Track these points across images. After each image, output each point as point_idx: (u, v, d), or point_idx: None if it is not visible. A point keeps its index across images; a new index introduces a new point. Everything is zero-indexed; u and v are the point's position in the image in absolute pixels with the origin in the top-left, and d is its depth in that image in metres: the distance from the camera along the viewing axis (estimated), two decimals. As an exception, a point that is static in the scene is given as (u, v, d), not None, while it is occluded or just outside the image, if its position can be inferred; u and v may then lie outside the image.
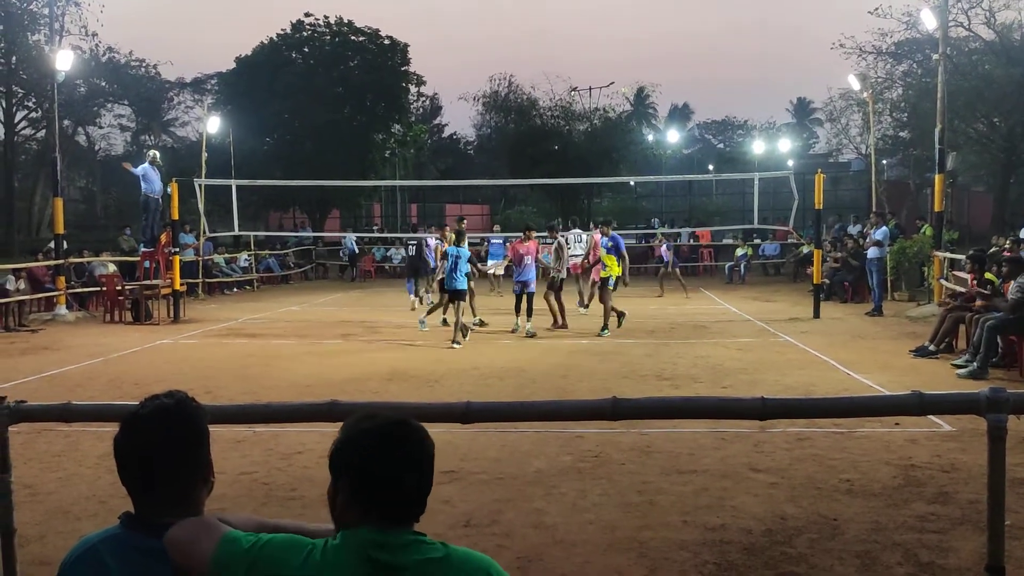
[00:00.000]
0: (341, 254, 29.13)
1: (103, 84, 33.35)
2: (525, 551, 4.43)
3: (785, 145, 43.39)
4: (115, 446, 1.71)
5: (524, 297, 13.02)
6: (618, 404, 3.03)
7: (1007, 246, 15.32)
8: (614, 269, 13.22)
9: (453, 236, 13.20)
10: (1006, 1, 25.55)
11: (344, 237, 28.81)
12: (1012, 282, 9.40)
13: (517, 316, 13.07)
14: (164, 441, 1.68)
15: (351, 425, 1.61)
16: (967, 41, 27.20)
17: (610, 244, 13.32)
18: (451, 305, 12.50)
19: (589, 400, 3.27)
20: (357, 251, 27.82)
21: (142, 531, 1.67)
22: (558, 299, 13.63)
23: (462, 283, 12.29)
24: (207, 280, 21.50)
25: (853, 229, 22.54)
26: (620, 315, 13.33)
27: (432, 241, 16.44)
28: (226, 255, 24.51)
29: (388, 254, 29.58)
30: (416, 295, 16.81)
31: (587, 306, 15.49)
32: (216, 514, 1.67)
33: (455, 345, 11.67)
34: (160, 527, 1.64)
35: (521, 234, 13.85)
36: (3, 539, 3.08)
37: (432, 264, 16.24)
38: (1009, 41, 26.57)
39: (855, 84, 24.95)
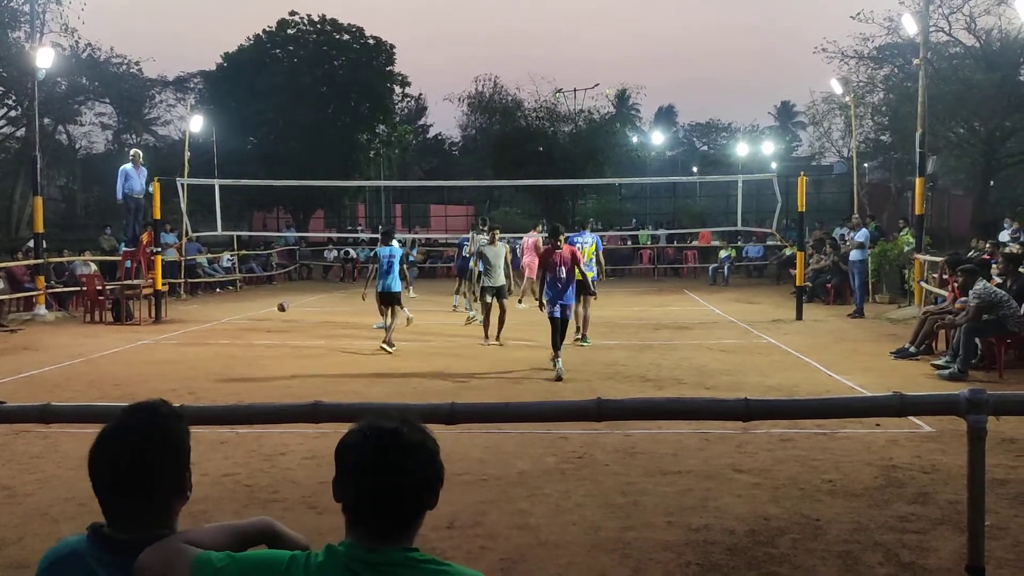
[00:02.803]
0: (325, 254, 29.02)
1: (84, 81, 33.00)
2: (509, 552, 4.42)
3: (768, 148, 43.62)
4: (89, 457, 1.66)
5: (564, 325, 9.94)
6: (602, 405, 3.04)
7: (987, 249, 15.48)
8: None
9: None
10: (986, 6, 25.86)
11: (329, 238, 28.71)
12: (971, 291, 9.51)
13: (556, 352, 9.65)
14: (142, 457, 1.62)
15: (354, 426, 1.57)
16: (948, 46, 27.49)
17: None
18: (388, 309, 11.73)
19: (574, 401, 3.28)
20: (353, 254, 27.31)
21: (107, 548, 1.62)
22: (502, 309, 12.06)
23: (397, 285, 11.69)
24: (189, 280, 21.35)
25: (837, 233, 22.71)
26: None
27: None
28: (209, 255, 24.34)
29: (372, 255, 29.48)
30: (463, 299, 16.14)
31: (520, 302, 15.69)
32: (186, 533, 1.62)
33: (386, 348, 11.20)
34: (126, 544, 1.60)
35: (541, 233, 11.84)
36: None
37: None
38: (989, 46, 26.87)
39: (837, 88, 25.19)
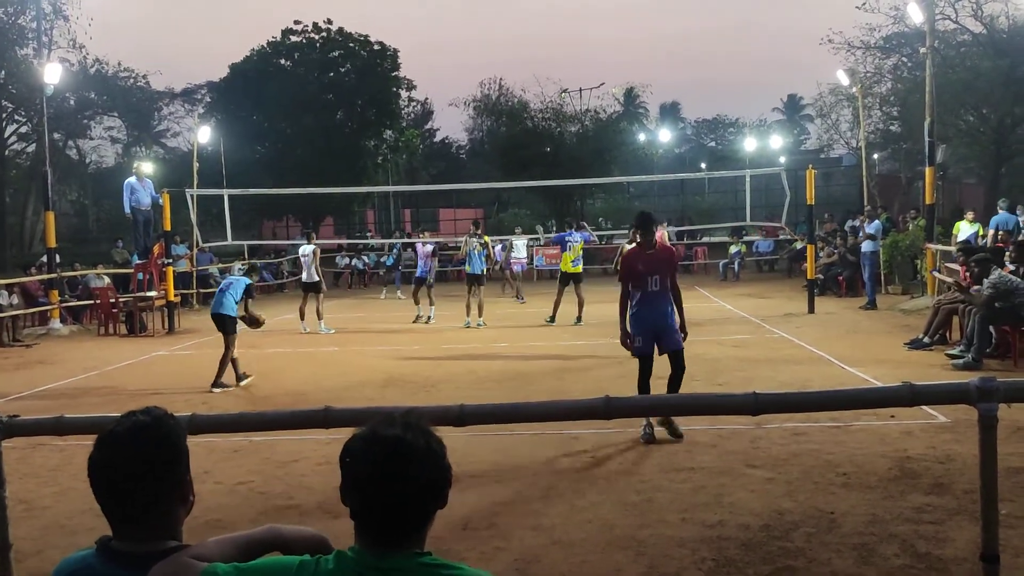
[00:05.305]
0: (337, 261, 29.07)
1: (92, 96, 33.29)
2: (523, 552, 4.43)
3: (776, 142, 43.46)
4: (89, 465, 1.64)
5: (672, 360, 6.70)
6: (611, 403, 3.03)
7: (999, 237, 15.38)
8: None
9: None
10: (992, -7, 25.67)
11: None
12: (985, 280, 9.42)
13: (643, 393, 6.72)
14: (138, 461, 1.60)
15: (356, 432, 1.55)
16: (955, 34, 27.28)
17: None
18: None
19: (582, 400, 3.27)
20: (394, 259, 25.76)
21: (116, 564, 1.62)
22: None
23: (231, 309, 9.69)
24: (201, 291, 21.45)
25: (848, 225, 22.58)
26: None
27: (426, 247, 16.34)
28: (220, 265, 24.44)
29: (381, 260, 29.55)
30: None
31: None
32: (193, 548, 1.61)
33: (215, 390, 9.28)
34: (135, 559, 1.60)
35: (633, 234, 8.00)
36: (0, 554, 3.07)
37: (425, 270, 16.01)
38: (996, 33, 26.66)
39: (844, 79, 25.01)
